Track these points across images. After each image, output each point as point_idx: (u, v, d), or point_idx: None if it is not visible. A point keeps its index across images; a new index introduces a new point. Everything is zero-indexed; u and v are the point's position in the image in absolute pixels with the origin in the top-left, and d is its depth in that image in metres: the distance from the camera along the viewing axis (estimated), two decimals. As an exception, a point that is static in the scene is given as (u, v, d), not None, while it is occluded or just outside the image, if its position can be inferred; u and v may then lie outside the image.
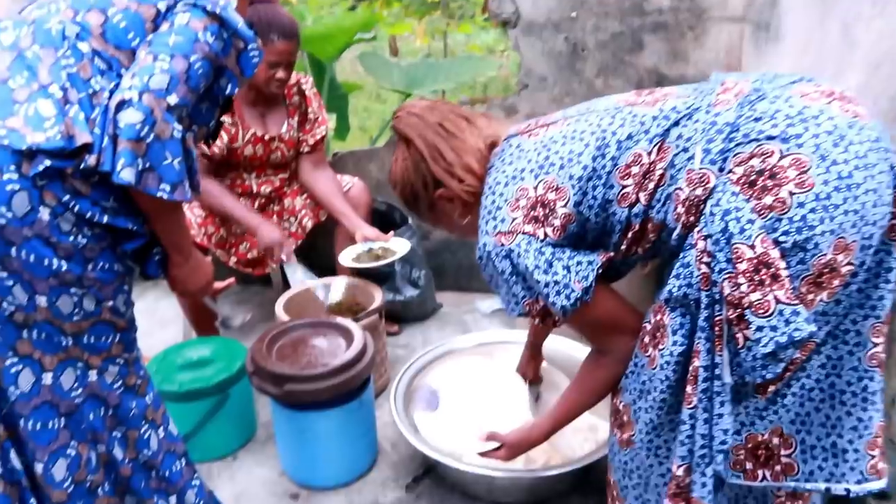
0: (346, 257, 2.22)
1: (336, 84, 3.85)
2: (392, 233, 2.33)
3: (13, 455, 1.13)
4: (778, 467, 1.11)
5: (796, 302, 0.99)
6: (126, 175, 1.05)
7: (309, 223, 2.46)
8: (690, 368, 1.08)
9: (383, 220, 2.64)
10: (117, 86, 1.10)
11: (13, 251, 1.03)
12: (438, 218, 1.41)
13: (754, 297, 0.99)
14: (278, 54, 2.14)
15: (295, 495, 1.85)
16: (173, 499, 1.35)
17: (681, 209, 1.08)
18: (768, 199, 1.00)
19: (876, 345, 1.08)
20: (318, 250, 2.64)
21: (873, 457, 1.10)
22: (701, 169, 1.06)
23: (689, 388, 1.08)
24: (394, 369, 2.28)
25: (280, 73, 2.19)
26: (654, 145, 1.12)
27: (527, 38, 2.49)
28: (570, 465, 1.71)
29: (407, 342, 2.60)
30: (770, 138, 1.02)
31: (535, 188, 1.19)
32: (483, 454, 1.57)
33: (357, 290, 2.31)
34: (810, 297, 1.02)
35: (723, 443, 1.06)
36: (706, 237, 1.04)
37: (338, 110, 3.76)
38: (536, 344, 1.90)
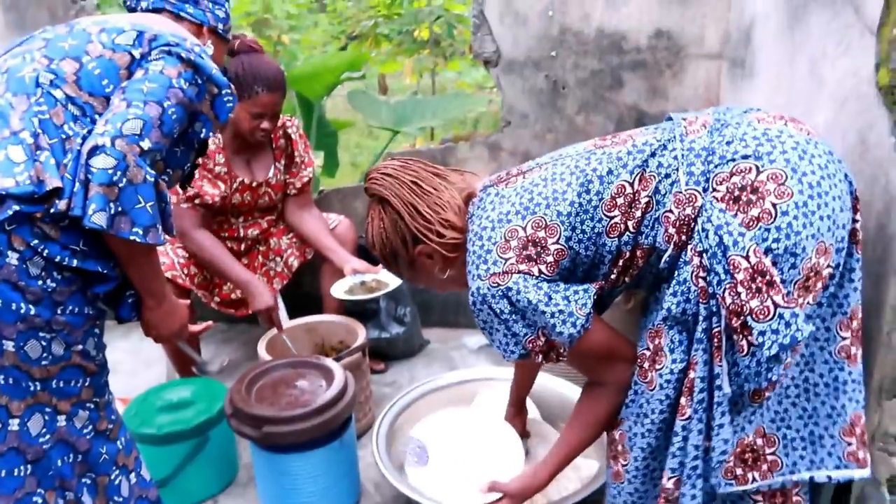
0: (339, 290, 2.22)
1: (325, 122, 3.89)
2: (381, 265, 2.32)
3: (-23, 504, 1.12)
4: (765, 466, 1.16)
5: (793, 305, 1.05)
6: (97, 219, 1.06)
7: (295, 262, 2.46)
8: (686, 380, 1.13)
9: (369, 256, 2.64)
10: (90, 132, 1.12)
11: None
12: (418, 274, 1.41)
13: (754, 303, 1.05)
14: (263, 106, 2.14)
15: (275, 539, 1.82)
16: (145, 546, 1.32)
17: (672, 230, 1.14)
18: (755, 212, 1.08)
19: (844, 338, 1.17)
20: (304, 288, 2.64)
21: (850, 444, 1.17)
22: (688, 190, 1.14)
23: (683, 400, 1.13)
24: (379, 408, 2.26)
25: (265, 124, 2.18)
26: (636, 176, 1.19)
27: (508, 77, 2.53)
28: (556, 504, 1.68)
29: (393, 380, 2.58)
30: (745, 157, 1.12)
31: (524, 228, 1.21)
32: None
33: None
34: (800, 300, 1.09)
35: (723, 453, 1.10)
36: (701, 253, 1.10)
37: (326, 148, 3.78)
38: (520, 398, 1.87)
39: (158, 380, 2.44)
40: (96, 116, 1.15)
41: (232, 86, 1.27)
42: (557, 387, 2.05)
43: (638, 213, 1.18)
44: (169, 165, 1.25)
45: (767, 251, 1.07)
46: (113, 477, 1.25)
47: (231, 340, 2.90)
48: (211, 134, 1.28)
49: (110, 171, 1.06)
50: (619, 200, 1.19)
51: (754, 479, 1.15)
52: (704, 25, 2.35)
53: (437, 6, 5.33)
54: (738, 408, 1.14)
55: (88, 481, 1.23)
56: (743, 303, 1.06)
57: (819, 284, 1.10)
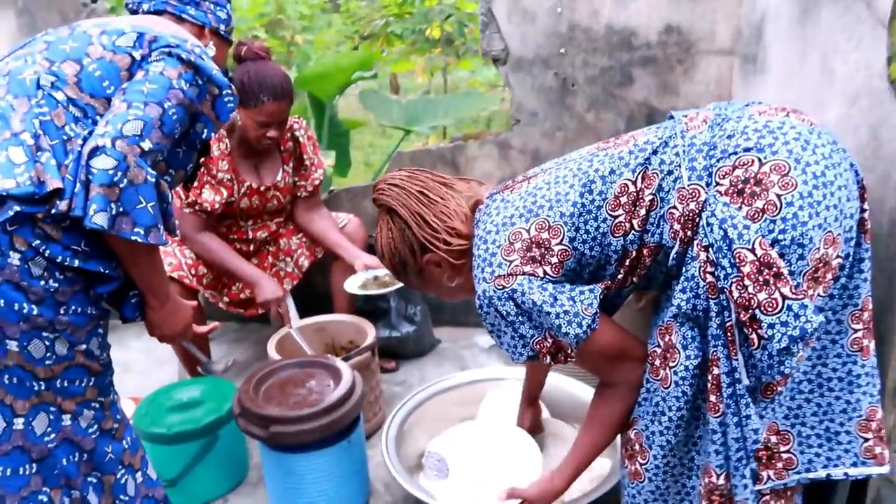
0: (352, 285, 2.22)
1: (336, 122, 3.90)
2: None
3: (-17, 502, 1.13)
4: (780, 464, 1.15)
5: (801, 297, 1.04)
6: (98, 220, 1.06)
7: (305, 262, 2.46)
8: (710, 377, 1.13)
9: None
10: (91, 133, 1.12)
11: None
12: (428, 283, 1.42)
13: (762, 296, 1.05)
14: (269, 115, 2.13)
15: (284, 539, 1.82)
16: (151, 545, 1.33)
17: (677, 226, 1.14)
18: (759, 203, 1.07)
19: (856, 331, 1.15)
20: (314, 287, 2.65)
21: (866, 440, 1.16)
22: (690, 185, 1.13)
23: (713, 398, 1.13)
24: (390, 407, 2.25)
25: (271, 132, 2.17)
26: (638, 174, 1.18)
27: (517, 75, 2.52)
28: (566, 505, 1.67)
29: (404, 379, 2.58)
30: (747, 150, 1.11)
31: (528, 230, 1.22)
32: None
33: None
34: (810, 292, 1.08)
35: (755, 441, 1.11)
36: (707, 247, 1.10)
37: (338, 147, 3.79)
38: (532, 395, 1.86)
39: (171, 379, 2.45)
40: (97, 118, 1.16)
41: (233, 86, 1.27)
42: (566, 385, 2.03)
43: (642, 212, 1.18)
44: (171, 166, 1.25)
45: (774, 243, 1.06)
46: (119, 476, 1.26)
47: (242, 340, 2.92)
48: (213, 134, 1.28)
49: (111, 172, 1.07)
50: (623, 199, 1.19)
51: (769, 479, 1.15)
52: (715, 21, 2.32)
53: (449, 5, 5.32)
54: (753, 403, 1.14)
55: (94, 480, 1.23)
56: (750, 296, 1.05)
57: (829, 276, 1.10)
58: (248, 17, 4.63)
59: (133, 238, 1.10)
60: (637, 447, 1.27)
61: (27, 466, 1.14)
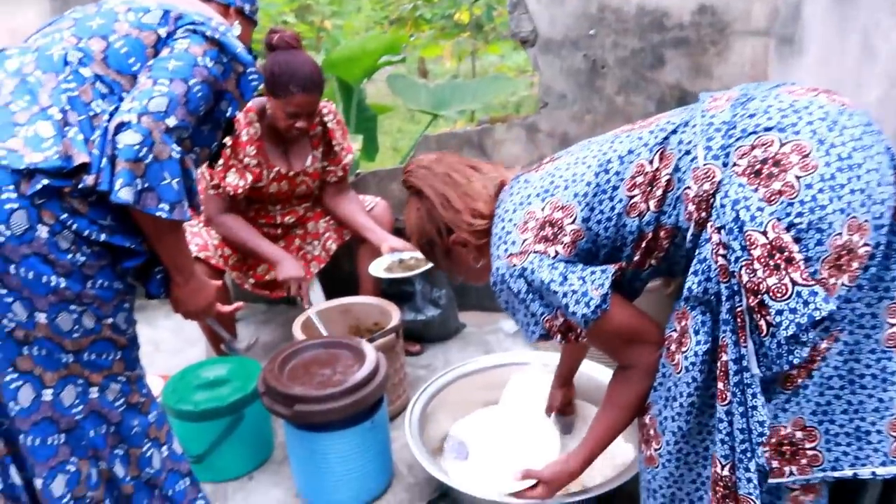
0: (378, 268, 2.22)
1: (364, 106, 3.90)
2: None
3: (13, 471, 1.16)
4: (804, 461, 1.11)
5: (812, 283, 1.00)
6: (124, 194, 1.07)
7: (333, 246, 2.47)
8: (719, 364, 1.09)
9: (406, 238, 2.64)
10: (118, 109, 1.13)
11: (12, 268, 1.06)
12: (454, 264, 1.46)
13: (771, 281, 1.01)
14: (298, 106, 2.13)
15: (307, 517, 1.84)
16: (177, 518, 1.35)
17: (692, 207, 1.11)
18: (776, 185, 1.03)
19: (892, 325, 1.09)
20: (341, 270, 2.66)
21: None
22: (706, 165, 1.10)
23: (720, 385, 1.09)
24: (414, 390, 2.25)
25: (300, 123, 2.18)
26: (655, 153, 1.17)
27: (545, 57, 2.48)
28: (589, 492, 1.65)
29: (428, 362, 2.58)
30: (767, 129, 1.07)
31: (542, 209, 1.23)
32: (518, 494, 1.50)
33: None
34: (832, 280, 1.03)
35: (761, 434, 1.07)
36: (719, 229, 1.07)
37: (366, 132, 3.79)
38: (565, 377, 1.85)
39: (199, 358, 2.49)
40: (124, 94, 1.17)
41: (256, 65, 1.27)
42: (589, 370, 2.00)
43: (659, 192, 1.16)
44: (196, 144, 1.26)
45: (790, 227, 1.02)
46: (145, 449, 1.28)
47: (269, 321, 2.95)
48: (237, 112, 1.29)
49: (136, 148, 1.08)
50: (639, 179, 1.17)
51: (791, 473, 1.11)
52: (751, 0, 2.25)
53: (478, -12, 5.28)
54: (768, 395, 1.09)
55: (121, 452, 1.26)
56: (760, 280, 1.02)
57: (855, 264, 1.04)
58: (277, 1, 4.64)
59: (158, 213, 1.11)
60: (651, 432, 1.25)
61: (55, 437, 1.16)
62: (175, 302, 1.33)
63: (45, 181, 1.05)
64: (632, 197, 1.18)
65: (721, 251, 1.06)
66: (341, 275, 2.66)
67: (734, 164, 1.08)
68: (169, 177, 1.12)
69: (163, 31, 1.20)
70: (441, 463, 1.81)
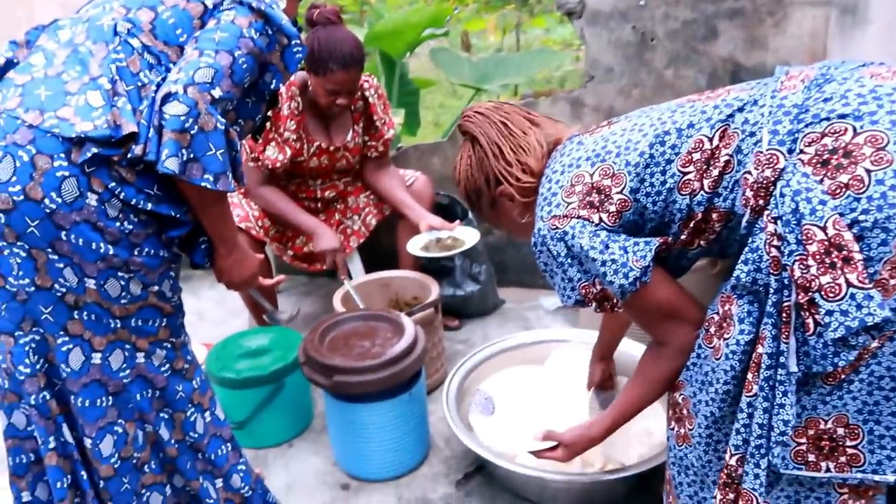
0: (415, 246, 2.22)
1: (407, 80, 3.88)
2: (458, 222, 2.31)
3: (66, 430, 1.20)
4: (843, 458, 1.06)
5: (870, 286, 0.94)
6: (170, 164, 1.09)
7: (373, 221, 2.48)
8: (753, 355, 1.06)
9: (445, 213, 2.63)
10: (164, 79, 1.14)
11: (63, 235, 1.09)
12: (499, 216, 1.43)
13: (824, 279, 0.96)
14: (338, 83, 2.12)
15: (345, 486, 1.87)
16: (219, 481, 1.38)
17: (749, 193, 1.05)
18: (844, 178, 0.96)
19: None
20: (381, 244, 2.67)
21: None
22: (769, 150, 1.04)
23: (749, 376, 1.06)
24: (452, 364, 2.26)
25: (341, 100, 2.17)
26: (717, 131, 1.11)
27: (592, 29, 2.41)
28: (627, 470, 1.64)
29: (467, 337, 2.58)
30: (842, 116, 0.99)
31: (591, 175, 1.20)
32: (537, 454, 1.50)
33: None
34: (893, 282, 0.96)
35: (782, 433, 1.03)
36: (776, 219, 1.01)
37: (408, 106, 3.78)
38: (605, 351, 1.82)
39: (242, 328, 2.54)
40: (170, 65, 1.17)
41: (301, 37, 1.27)
42: (630, 348, 1.97)
43: (715, 172, 1.11)
44: (240, 116, 1.26)
45: (853, 223, 0.95)
46: (188, 414, 1.31)
47: (310, 293, 2.99)
48: (281, 85, 1.29)
49: (182, 118, 1.09)
50: (696, 156, 1.12)
51: (828, 469, 1.06)
52: (812, -33, 2.15)
53: (524, -41, 5.16)
54: (807, 388, 1.05)
55: (166, 416, 1.29)
56: (812, 277, 0.96)
57: None
58: (321, -26, 4.62)
59: (203, 184, 1.12)
60: (685, 412, 1.23)
61: (104, 399, 1.20)
62: (218, 272, 1.35)
63: (95, 150, 1.07)
64: (685, 173, 1.13)
65: (775, 242, 1.01)
66: (381, 249, 2.67)
67: (800, 152, 1.01)
68: (214, 148, 1.12)
69: (209, 2, 1.20)
70: (469, 418, 1.81)
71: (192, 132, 1.10)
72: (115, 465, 1.22)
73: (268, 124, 2.18)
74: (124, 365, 1.21)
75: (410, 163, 2.79)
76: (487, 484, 1.84)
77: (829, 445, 1.06)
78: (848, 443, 1.05)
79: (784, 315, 1.01)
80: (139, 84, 1.14)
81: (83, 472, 1.22)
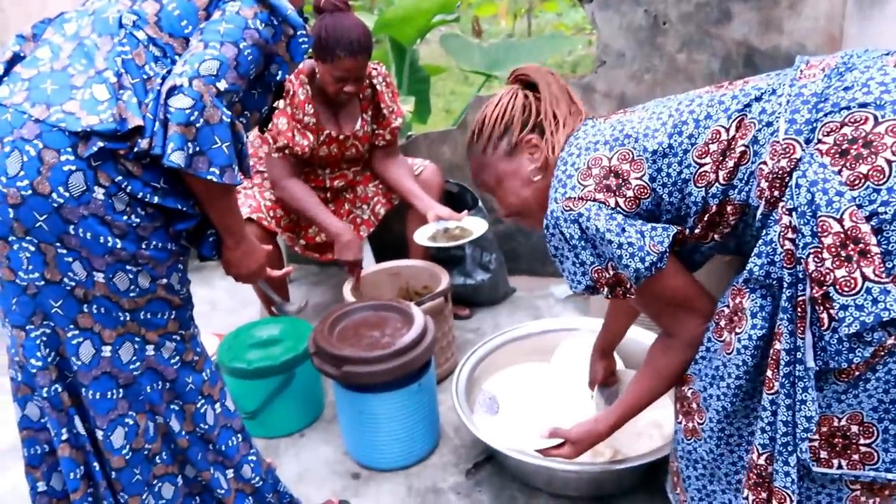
0: (422, 236, 2.21)
1: (417, 67, 3.85)
2: (466, 212, 2.30)
3: (77, 421, 1.21)
4: (856, 456, 1.04)
5: (887, 280, 0.92)
6: (176, 158, 1.08)
7: (382, 210, 2.47)
8: (771, 352, 1.04)
9: (455, 202, 2.62)
10: (170, 72, 1.14)
11: (71, 229, 1.09)
12: (511, 166, 1.33)
13: (840, 273, 0.94)
14: (345, 70, 2.11)
15: (356, 475, 1.88)
16: (230, 472, 1.39)
17: (764, 184, 1.03)
18: (863, 168, 0.94)
19: None
20: (391, 233, 2.66)
21: None
22: (786, 140, 1.01)
23: (769, 373, 1.04)
24: (462, 353, 2.26)
25: (348, 87, 2.16)
26: (734, 121, 1.09)
27: (604, 13, 2.38)
28: (636, 460, 1.64)
29: (477, 326, 2.58)
30: (863, 105, 0.97)
31: (610, 158, 1.18)
32: (544, 451, 1.49)
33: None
34: None
35: (806, 430, 1.01)
36: (791, 211, 0.99)
37: (418, 94, 3.76)
38: (607, 346, 1.79)
39: (254, 318, 2.56)
40: (176, 57, 1.17)
41: (307, 27, 1.26)
42: (639, 336, 1.96)
43: (731, 163, 1.08)
44: (246, 108, 1.26)
45: (871, 216, 0.93)
46: (199, 405, 1.32)
47: (321, 283, 2.99)
48: (287, 76, 1.28)
49: (188, 111, 1.08)
50: (713, 147, 1.10)
51: (840, 466, 1.05)
52: (829, -52, 2.10)
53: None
54: (820, 384, 1.03)
55: (176, 408, 1.30)
56: (827, 271, 0.94)
57: None
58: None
59: (209, 177, 1.12)
60: (694, 406, 1.21)
61: (114, 391, 1.21)
62: (226, 264, 1.35)
63: (101, 143, 1.07)
64: (701, 165, 1.11)
65: (789, 235, 0.99)
66: (391, 238, 2.67)
67: (818, 142, 0.99)
68: (220, 141, 1.12)
69: None
70: (474, 417, 1.81)
71: (198, 125, 1.09)
72: (127, 457, 1.23)
73: (288, 111, 2.18)
74: (134, 357, 1.21)
75: (420, 151, 2.78)
76: (497, 473, 1.84)
77: (843, 443, 1.04)
78: (862, 441, 1.03)
79: (799, 310, 0.99)
80: (144, 77, 1.14)
81: (95, 464, 1.23)
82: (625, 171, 1.15)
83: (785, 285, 1.00)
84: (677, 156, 1.13)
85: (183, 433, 1.31)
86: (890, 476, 1.04)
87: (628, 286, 1.16)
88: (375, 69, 2.34)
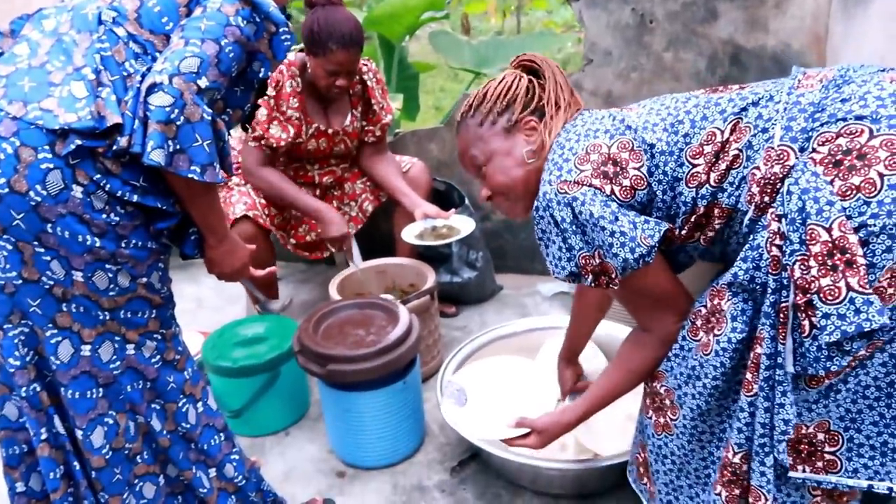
0: (409, 234, 2.21)
1: (406, 64, 3.85)
2: (454, 210, 2.30)
3: (57, 421, 1.20)
4: (820, 463, 1.06)
5: (870, 291, 0.93)
6: (156, 156, 1.07)
7: (370, 207, 2.47)
8: (752, 355, 1.04)
9: (443, 200, 2.62)
10: (150, 69, 1.13)
11: (49, 227, 1.08)
12: (508, 145, 1.31)
13: (824, 282, 0.94)
14: (337, 64, 2.10)
15: (341, 473, 1.88)
16: (213, 471, 1.39)
17: (755, 189, 1.04)
18: (855, 180, 0.95)
19: None
20: (378, 231, 2.66)
21: None
22: (780, 146, 1.02)
23: (749, 376, 1.05)
24: (449, 351, 2.26)
25: (340, 81, 2.15)
26: (729, 123, 1.09)
27: (591, 11, 2.38)
28: (619, 457, 1.64)
29: (464, 324, 2.58)
30: (859, 118, 0.98)
31: (610, 146, 1.17)
32: (510, 441, 1.48)
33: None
34: (890, 290, 0.95)
35: (784, 432, 1.03)
36: (780, 217, 0.99)
37: (407, 91, 3.76)
38: (573, 351, 1.76)
39: (240, 315, 2.55)
40: (157, 54, 1.16)
41: (290, 24, 1.25)
42: (623, 334, 1.96)
43: (723, 166, 1.08)
44: (229, 105, 1.25)
45: (860, 227, 0.93)
46: (180, 404, 1.31)
47: (308, 281, 2.99)
48: (269, 73, 1.27)
49: (168, 109, 1.07)
50: (707, 148, 1.10)
51: (804, 471, 1.06)
52: (814, -53, 2.11)
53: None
54: (795, 389, 1.04)
55: (158, 407, 1.29)
56: (812, 279, 0.95)
57: None
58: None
59: (189, 176, 1.11)
60: (668, 402, 1.22)
61: (94, 390, 1.20)
62: (209, 263, 1.34)
63: (79, 141, 1.06)
64: (695, 165, 1.11)
65: (777, 241, 0.99)
66: (379, 236, 2.67)
67: (813, 151, 0.99)
68: (200, 139, 1.11)
69: None
70: (442, 408, 1.81)
71: (178, 123, 1.08)
72: (107, 456, 1.22)
73: (270, 102, 2.16)
74: (114, 356, 1.20)
75: (408, 149, 2.77)
76: (482, 471, 1.85)
77: (808, 450, 1.05)
78: (827, 448, 1.05)
79: (782, 316, 1.00)
80: (124, 74, 1.13)
81: (76, 463, 1.22)
82: (623, 160, 1.15)
83: (769, 291, 1.01)
84: (673, 154, 1.13)
85: (164, 432, 1.30)
86: (851, 482, 1.05)
87: (613, 276, 1.15)
88: (366, 65, 2.33)
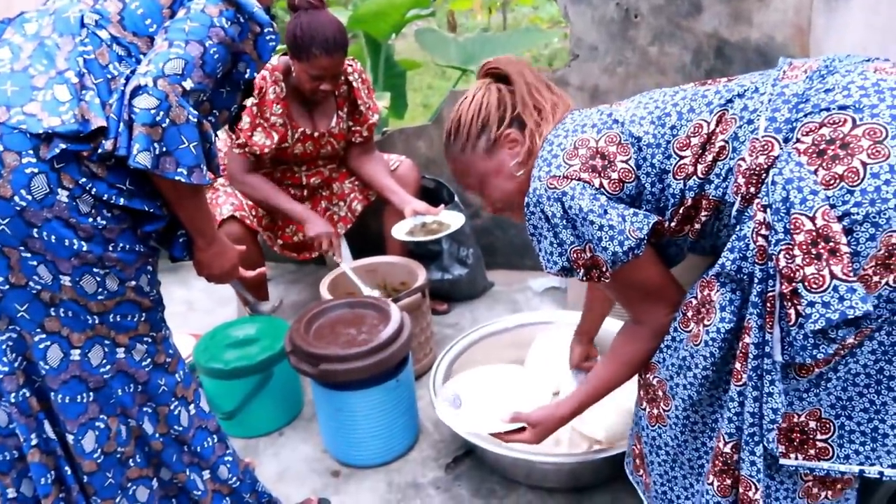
0: (400, 231, 2.22)
1: (393, 62, 3.84)
2: (443, 206, 2.30)
3: (47, 426, 1.19)
4: (812, 451, 1.07)
5: (853, 279, 0.93)
6: (142, 159, 1.07)
7: (359, 206, 2.46)
8: (740, 345, 1.05)
9: (432, 197, 2.62)
10: (134, 72, 1.12)
11: (35, 232, 1.07)
12: (492, 163, 1.31)
13: (808, 270, 0.95)
14: (321, 69, 2.10)
15: (336, 473, 1.88)
16: (206, 473, 1.38)
17: (741, 180, 1.05)
18: (839, 169, 0.95)
19: None
20: (368, 230, 2.65)
21: None
22: (765, 137, 1.03)
23: (738, 365, 1.06)
24: (441, 348, 2.26)
25: (325, 85, 2.15)
26: (715, 115, 1.10)
27: (576, 6, 2.39)
28: (612, 450, 1.65)
29: (456, 321, 2.58)
30: (843, 108, 0.98)
31: (597, 140, 1.18)
32: (504, 437, 1.48)
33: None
34: (875, 279, 0.95)
35: (773, 421, 1.04)
36: (765, 207, 1.00)
37: (394, 89, 3.75)
38: (586, 332, 1.77)
39: (231, 317, 2.54)
40: (141, 56, 1.15)
41: (275, 24, 1.25)
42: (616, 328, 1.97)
43: (709, 158, 1.09)
44: (215, 106, 1.24)
45: (844, 216, 0.94)
46: (172, 407, 1.31)
47: (298, 281, 2.98)
48: (255, 74, 1.27)
49: (153, 112, 1.07)
50: (694, 140, 1.11)
51: (796, 459, 1.07)
52: (796, -60, 2.12)
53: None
54: (785, 378, 1.05)
55: (149, 410, 1.29)
56: (797, 268, 0.95)
57: None
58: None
59: (176, 178, 1.11)
60: (660, 393, 1.23)
61: (84, 395, 1.19)
62: (198, 265, 1.33)
63: (63, 145, 1.05)
64: (682, 157, 1.12)
65: (762, 231, 1.00)
66: (368, 235, 2.66)
67: (797, 141, 1.00)
68: (186, 141, 1.11)
69: None
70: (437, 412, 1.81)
71: (164, 125, 1.08)
72: (99, 461, 1.22)
73: (254, 109, 2.16)
74: (104, 361, 1.20)
75: (396, 147, 2.77)
76: (476, 467, 1.85)
77: (800, 438, 1.06)
78: (819, 436, 1.06)
79: (769, 305, 1.01)
80: (108, 76, 1.12)
81: (67, 468, 1.22)
82: (611, 154, 1.16)
83: (756, 280, 1.01)
84: (660, 146, 1.14)
85: (157, 436, 1.30)
86: (842, 468, 1.06)
87: (603, 269, 1.16)
88: (351, 66, 2.32)
